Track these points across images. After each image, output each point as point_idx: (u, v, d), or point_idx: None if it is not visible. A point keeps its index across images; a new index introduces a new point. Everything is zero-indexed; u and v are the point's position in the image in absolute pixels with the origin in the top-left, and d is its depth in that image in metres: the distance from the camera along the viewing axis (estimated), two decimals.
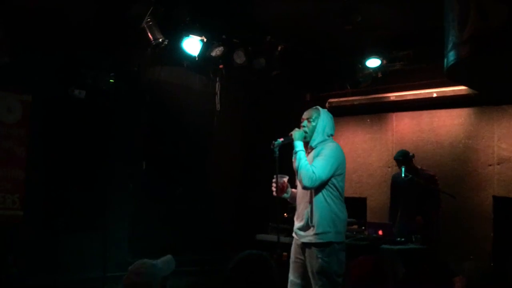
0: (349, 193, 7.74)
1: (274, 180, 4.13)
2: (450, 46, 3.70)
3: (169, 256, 2.60)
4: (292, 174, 4.21)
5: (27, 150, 5.39)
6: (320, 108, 4.26)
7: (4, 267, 4.96)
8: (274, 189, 4.13)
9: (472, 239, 6.46)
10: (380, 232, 5.71)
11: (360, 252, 5.47)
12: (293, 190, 4.29)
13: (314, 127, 4.13)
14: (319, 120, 4.15)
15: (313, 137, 4.12)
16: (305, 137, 4.13)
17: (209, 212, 6.94)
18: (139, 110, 6.36)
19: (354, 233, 5.78)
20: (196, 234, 6.70)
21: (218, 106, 6.87)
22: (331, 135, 4.20)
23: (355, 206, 7.16)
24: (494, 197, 6.22)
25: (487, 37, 3.37)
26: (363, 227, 5.97)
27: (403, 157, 6.20)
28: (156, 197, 6.47)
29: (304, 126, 4.16)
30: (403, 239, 5.55)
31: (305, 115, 4.22)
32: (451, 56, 3.70)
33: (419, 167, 6.26)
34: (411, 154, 6.22)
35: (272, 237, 5.78)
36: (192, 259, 6.49)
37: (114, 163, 6.09)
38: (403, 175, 5.97)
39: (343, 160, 4.13)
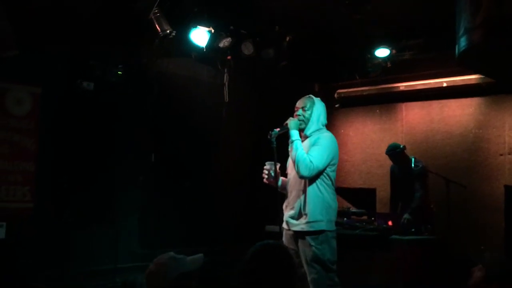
0: (358, 184, 7.73)
1: (265, 167, 4.15)
2: (462, 31, 3.65)
3: (199, 255, 2.60)
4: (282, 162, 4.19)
5: (37, 142, 5.41)
6: (314, 97, 4.27)
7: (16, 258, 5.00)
8: (265, 176, 4.15)
9: (483, 229, 6.42)
10: (390, 223, 5.70)
11: (370, 243, 5.47)
12: (283, 178, 4.29)
13: (309, 116, 4.15)
14: (314, 109, 4.18)
15: (308, 126, 4.15)
16: (300, 127, 4.15)
17: (219, 204, 6.95)
18: (148, 102, 6.35)
19: (364, 224, 5.77)
20: (205, 226, 6.72)
21: (226, 98, 6.85)
22: (325, 124, 4.23)
23: (364, 197, 7.15)
24: (506, 186, 6.17)
25: (500, 22, 3.33)
26: (372, 218, 5.96)
27: (392, 151, 6.20)
28: (165, 189, 6.48)
29: (299, 115, 4.17)
30: (413, 230, 5.53)
31: (299, 103, 4.24)
32: (462, 42, 3.66)
33: (414, 157, 6.25)
34: (401, 146, 6.23)
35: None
36: (202, 251, 6.50)
37: (123, 155, 6.10)
38: (413, 165, 5.95)
39: (337, 151, 4.17)
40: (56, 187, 5.44)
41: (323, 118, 4.22)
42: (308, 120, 4.16)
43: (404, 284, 5.27)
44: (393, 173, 6.51)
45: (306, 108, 4.18)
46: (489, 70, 4.69)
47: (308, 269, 4.00)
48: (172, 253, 2.50)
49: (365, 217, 5.98)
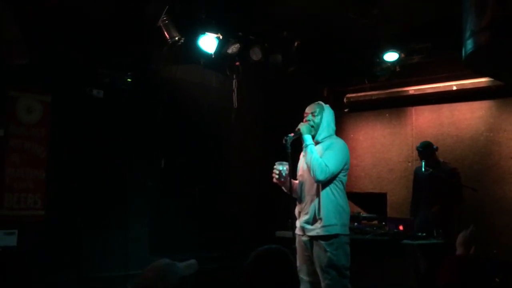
0: (369, 188, 7.70)
1: (275, 167, 4.16)
2: (468, 34, 3.64)
3: (193, 260, 2.60)
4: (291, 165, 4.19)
5: (48, 150, 5.44)
6: (323, 103, 4.32)
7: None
8: (275, 175, 4.15)
9: (495, 233, 6.36)
10: (401, 227, 5.66)
11: (381, 247, 5.43)
12: (294, 181, 4.30)
13: (319, 121, 4.19)
14: (324, 115, 4.24)
15: (319, 132, 4.20)
16: (311, 131, 4.19)
17: (229, 209, 6.95)
18: (157, 109, 6.38)
19: (375, 228, 5.74)
20: (215, 231, 6.72)
21: (235, 104, 6.86)
22: (334, 130, 4.29)
23: (375, 201, 7.12)
24: None
25: (507, 23, 3.31)
26: (383, 223, 5.92)
27: (424, 148, 6.13)
28: (175, 195, 6.50)
29: (309, 120, 4.21)
30: (424, 234, 5.49)
31: (308, 109, 4.30)
32: (469, 44, 3.64)
33: (441, 160, 6.19)
34: (434, 146, 6.14)
35: (291, 234, 5.77)
36: (212, 256, 6.51)
37: (133, 161, 6.13)
38: (423, 169, 5.91)
39: (349, 156, 4.23)
40: (67, 194, 5.47)
41: (333, 125, 4.30)
42: (318, 125, 4.20)
43: None
44: (416, 175, 6.42)
45: (315, 114, 4.23)
46: (496, 72, 4.65)
47: (322, 275, 4.01)
48: (167, 260, 2.49)
49: (375, 222, 5.95)
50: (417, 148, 6.22)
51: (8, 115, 5.23)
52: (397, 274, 5.38)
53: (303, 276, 4.17)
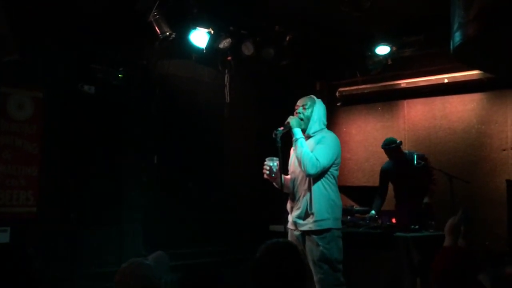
0: (362, 182, 7.72)
1: (266, 162, 4.15)
2: (456, 26, 3.66)
3: (160, 252, 2.58)
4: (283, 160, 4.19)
5: (40, 146, 5.42)
6: (314, 97, 4.30)
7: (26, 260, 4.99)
8: (266, 171, 4.14)
9: (487, 224, 6.40)
10: (394, 220, 5.69)
11: (374, 240, 5.46)
12: (285, 176, 4.29)
13: (309, 114, 4.17)
14: (315, 108, 4.22)
15: (310, 125, 4.19)
16: (300, 124, 4.18)
17: (223, 204, 6.95)
18: (150, 104, 6.36)
19: (368, 221, 5.77)
20: (209, 226, 6.72)
21: (227, 98, 6.86)
22: (325, 125, 4.26)
23: (368, 195, 7.13)
24: (508, 181, 6.16)
25: (494, 15, 3.33)
26: (376, 216, 5.95)
27: (388, 145, 6.19)
28: (169, 190, 6.50)
29: (299, 113, 4.21)
30: (417, 226, 5.52)
31: (300, 102, 4.29)
32: (457, 37, 3.67)
33: (407, 151, 6.24)
34: (398, 141, 6.19)
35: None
36: (206, 251, 6.51)
37: (126, 157, 6.11)
38: (415, 162, 5.93)
39: (340, 150, 4.23)
40: (60, 190, 5.45)
41: (324, 119, 4.28)
42: (308, 119, 4.19)
43: (409, 281, 5.26)
44: (385, 172, 6.45)
45: (306, 107, 4.22)
46: (485, 64, 4.69)
47: (314, 269, 4.02)
48: (136, 259, 2.47)
49: (367, 215, 5.97)
50: (382, 147, 6.27)
51: None
52: (390, 267, 5.41)
53: None
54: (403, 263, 5.29)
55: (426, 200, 5.95)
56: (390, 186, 6.44)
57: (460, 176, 6.08)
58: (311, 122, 4.19)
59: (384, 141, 6.28)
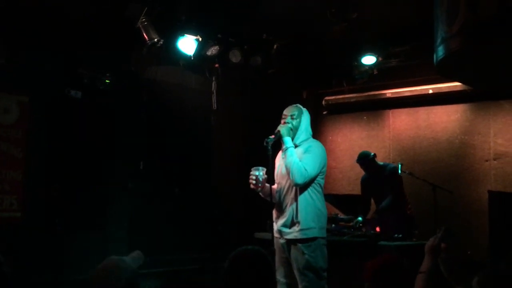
0: (347, 190, 7.76)
1: (251, 172, 4.15)
2: (439, 41, 3.73)
3: (137, 252, 2.60)
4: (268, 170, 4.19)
5: (25, 151, 5.39)
6: (301, 106, 4.34)
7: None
8: (252, 181, 4.14)
9: (469, 234, 6.47)
10: (378, 229, 5.72)
11: (358, 249, 5.49)
12: (273, 186, 4.28)
13: (298, 124, 4.21)
14: (302, 118, 4.26)
15: (297, 135, 4.22)
16: (290, 133, 4.21)
17: (209, 210, 6.95)
18: (137, 110, 6.36)
19: (352, 230, 5.79)
20: (195, 233, 6.72)
21: (214, 105, 6.86)
22: (311, 134, 4.33)
23: (353, 203, 7.17)
24: (490, 192, 6.24)
25: (477, 30, 3.39)
26: (360, 224, 5.98)
27: (363, 159, 6.26)
28: (155, 196, 6.48)
29: (288, 123, 4.22)
30: (400, 235, 5.56)
31: (287, 111, 4.31)
32: (440, 51, 3.73)
33: (381, 163, 6.30)
34: (372, 154, 6.26)
35: (269, 235, 5.79)
36: (191, 258, 6.50)
37: (113, 162, 6.10)
38: (399, 171, 6.00)
39: (326, 159, 4.27)
40: (45, 195, 5.42)
41: (309, 128, 4.32)
42: (296, 128, 4.22)
43: None
44: (364, 183, 6.52)
45: (294, 117, 4.24)
46: (467, 78, 4.76)
47: (299, 277, 4.03)
48: (115, 256, 2.49)
49: (352, 223, 6.00)
50: (357, 161, 6.34)
51: None
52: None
53: (280, 278, 4.19)
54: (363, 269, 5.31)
55: (384, 203, 6.01)
56: None
57: (443, 186, 6.15)
58: (298, 132, 4.22)
59: (359, 155, 6.34)
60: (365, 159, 6.25)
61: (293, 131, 4.21)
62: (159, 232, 6.39)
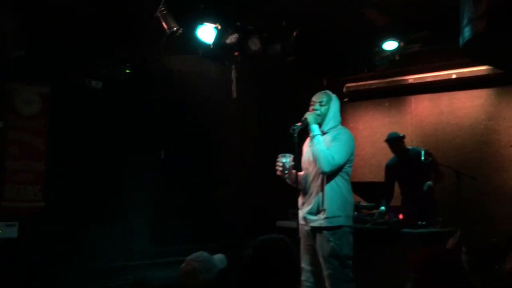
0: (369, 177, 7.70)
1: (278, 159, 4.13)
2: (465, 22, 3.66)
3: (221, 255, 2.65)
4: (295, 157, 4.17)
5: (47, 142, 5.44)
6: (330, 93, 4.27)
7: (27, 256, 5.03)
8: (279, 168, 4.12)
9: (494, 221, 6.38)
10: (401, 216, 5.67)
11: (381, 236, 5.44)
12: (299, 173, 4.26)
13: (326, 111, 4.15)
14: (331, 105, 4.19)
15: (325, 122, 4.16)
16: (317, 120, 4.16)
17: (228, 199, 6.96)
18: (156, 100, 6.37)
19: (374, 217, 5.75)
20: (215, 222, 6.73)
21: (234, 94, 6.84)
22: (340, 121, 4.25)
23: (375, 190, 7.12)
24: None
25: (504, 10, 3.32)
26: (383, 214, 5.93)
27: (393, 140, 6.21)
28: (175, 186, 6.51)
29: (316, 110, 4.17)
30: (424, 223, 5.50)
31: (316, 98, 4.25)
32: (466, 32, 3.66)
33: (411, 147, 6.22)
34: (401, 135, 6.21)
35: (292, 224, 5.78)
36: (213, 247, 6.51)
37: (133, 152, 6.13)
38: (422, 158, 5.91)
39: (354, 146, 4.20)
40: (67, 185, 5.47)
41: (338, 115, 4.25)
42: (325, 115, 4.16)
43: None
44: (390, 168, 6.45)
45: (323, 103, 4.19)
46: (493, 59, 4.67)
47: (324, 265, 4.00)
48: (205, 253, 2.53)
49: (375, 211, 5.95)
50: (385, 140, 6.27)
51: (7, 108, 5.23)
52: (397, 263, 5.39)
53: (305, 265, 4.17)
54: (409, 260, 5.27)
55: (429, 182, 5.94)
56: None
57: (467, 173, 6.05)
58: (327, 119, 4.16)
59: (388, 135, 6.29)
60: (395, 139, 6.18)
61: (321, 118, 4.16)
62: (179, 222, 6.41)
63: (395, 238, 5.36)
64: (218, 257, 2.59)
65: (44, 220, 5.28)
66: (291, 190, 4.31)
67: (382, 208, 5.91)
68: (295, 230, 4.19)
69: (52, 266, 5.13)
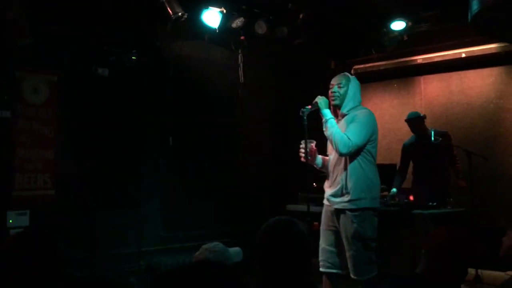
0: (379, 159, 7.55)
1: (301, 145, 4.13)
2: None
3: (238, 248, 2.65)
4: (320, 141, 4.19)
5: (56, 130, 5.45)
6: (349, 75, 4.26)
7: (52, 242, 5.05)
8: (302, 154, 4.13)
9: (504, 201, 6.33)
10: (411, 197, 5.65)
11: (392, 218, 5.43)
12: (325, 157, 4.28)
13: (345, 93, 4.13)
14: (350, 86, 4.17)
15: (345, 104, 4.14)
16: (336, 103, 4.14)
17: (240, 184, 6.96)
18: (164, 86, 6.35)
19: (385, 199, 5.74)
20: (227, 207, 6.75)
21: (241, 78, 6.81)
22: (360, 102, 4.18)
23: (385, 172, 7.09)
24: None
25: None
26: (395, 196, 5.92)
27: (414, 119, 6.18)
28: (187, 172, 6.52)
29: (334, 92, 4.15)
30: (435, 204, 5.47)
31: (334, 80, 4.22)
32: (474, 5, 3.61)
33: (429, 128, 6.18)
34: (422, 114, 6.17)
35: (303, 207, 5.77)
36: (224, 231, 6.54)
37: (142, 139, 6.13)
38: (432, 139, 5.86)
39: (376, 126, 4.16)
40: (77, 173, 5.49)
41: (358, 96, 4.22)
42: (344, 97, 4.14)
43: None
44: (407, 148, 6.41)
45: (341, 85, 4.17)
46: (502, 33, 4.60)
47: (347, 246, 4.00)
48: (220, 244, 2.52)
49: (386, 193, 5.94)
50: (406, 120, 6.23)
51: (15, 96, 5.23)
52: (408, 244, 5.38)
53: (328, 246, 4.17)
54: (421, 241, 5.26)
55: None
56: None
57: (478, 152, 6.00)
58: (346, 100, 4.13)
59: (408, 114, 6.26)
60: (415, 119, 6.16)
61: (341, 100, 4.13)
62: (192, 207, 6.44)
63: (406, 219, 5.35)
64: (234, 250, 2.58)
65: (55, 208, 5.31)
66: (301, 174, 4.30)
67: (394, 190, 5.89)
68: (305, 213, 4.20)
69: (64, 254, 5.16)
